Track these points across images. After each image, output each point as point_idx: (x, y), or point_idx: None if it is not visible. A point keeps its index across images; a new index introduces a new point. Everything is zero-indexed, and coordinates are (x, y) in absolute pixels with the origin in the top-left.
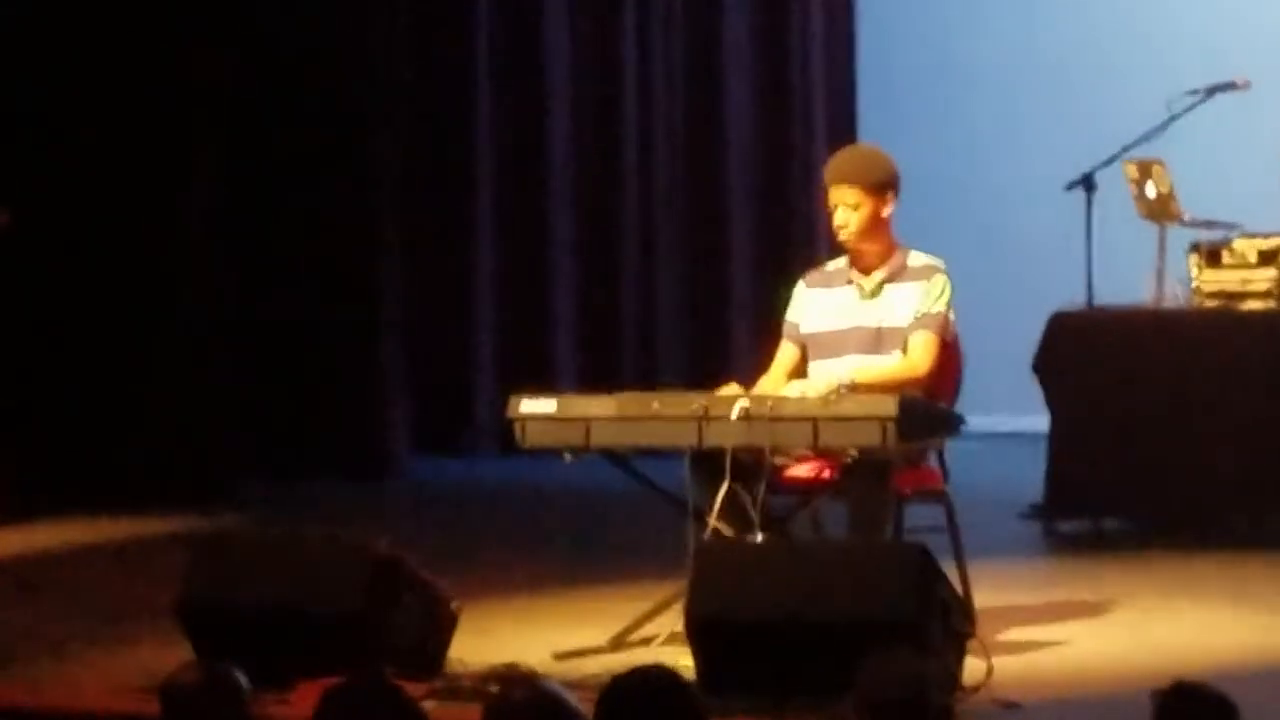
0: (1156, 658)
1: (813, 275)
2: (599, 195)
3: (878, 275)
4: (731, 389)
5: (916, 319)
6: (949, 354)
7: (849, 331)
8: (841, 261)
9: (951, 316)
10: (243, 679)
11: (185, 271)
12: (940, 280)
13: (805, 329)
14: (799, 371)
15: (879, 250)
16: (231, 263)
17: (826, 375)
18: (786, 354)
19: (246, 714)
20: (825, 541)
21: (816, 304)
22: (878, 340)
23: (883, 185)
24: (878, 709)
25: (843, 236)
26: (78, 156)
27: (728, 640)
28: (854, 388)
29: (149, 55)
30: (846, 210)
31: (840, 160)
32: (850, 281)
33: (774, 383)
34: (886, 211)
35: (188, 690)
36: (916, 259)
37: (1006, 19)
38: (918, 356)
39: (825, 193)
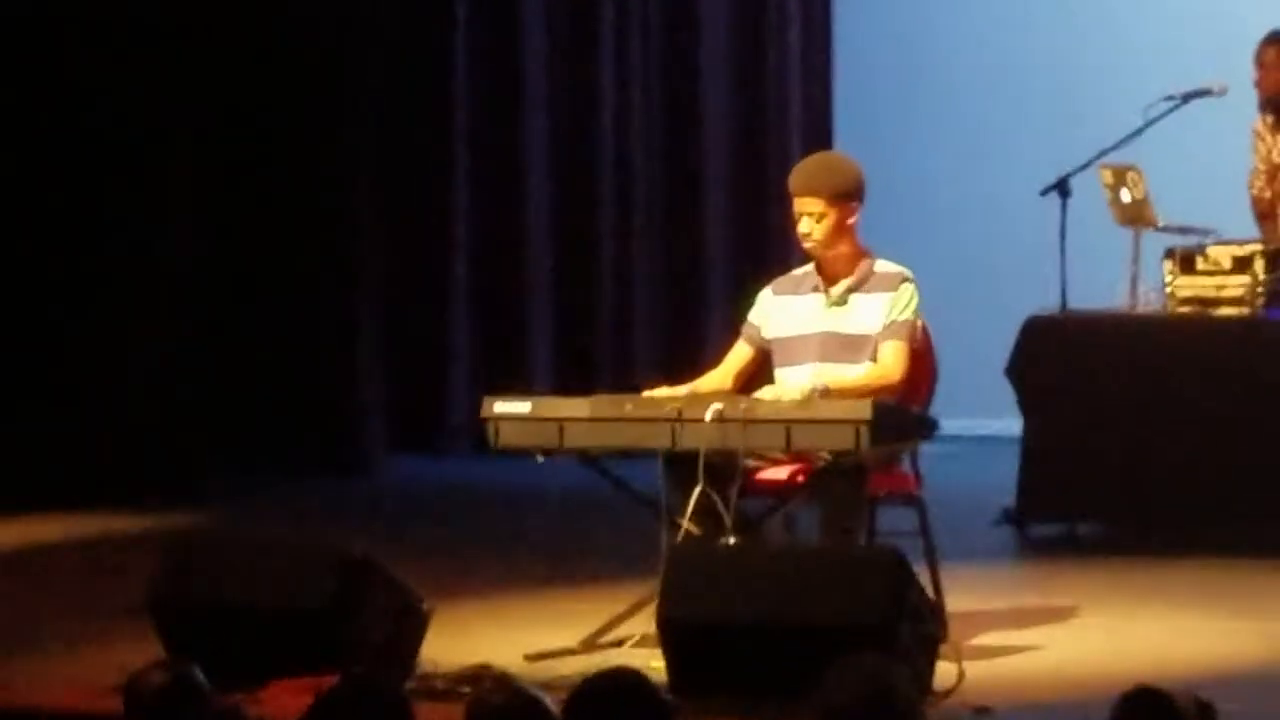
0: (1129, 663)
1: (780, 282)
2: (576, 200)
3: (845, 283)
4: (663, 391)
5: (886, 327)
6: (920, 359)
7: (814, 337)
8: (809, 267)
9: (919, 323)
10: (202, 678)
11: (160, 267)
12: (908, 289)
13: (770, 334)
14: (748, 373)
15: (845, 258)
16: (207, 260)
17: (800, 381)
18: (739, 354)
19: (209, 713)
20: (798, 545)
21: (783, 310)
22: (845, 347)
23: (847, 194)
24: (839, 713)
25: (807, 245)
26: (51, 149)
27: (699, 643)
28: (828, 393)
29: (125, 42)
30: (810, 220)
31: (804, 170)
32: (817, 288)
33: (719, 379)
34: (851, 220)
35: (150, 689)
36: (883, 267)
37: (982, 25)
38: (890, 364)
39: (790, 201)
